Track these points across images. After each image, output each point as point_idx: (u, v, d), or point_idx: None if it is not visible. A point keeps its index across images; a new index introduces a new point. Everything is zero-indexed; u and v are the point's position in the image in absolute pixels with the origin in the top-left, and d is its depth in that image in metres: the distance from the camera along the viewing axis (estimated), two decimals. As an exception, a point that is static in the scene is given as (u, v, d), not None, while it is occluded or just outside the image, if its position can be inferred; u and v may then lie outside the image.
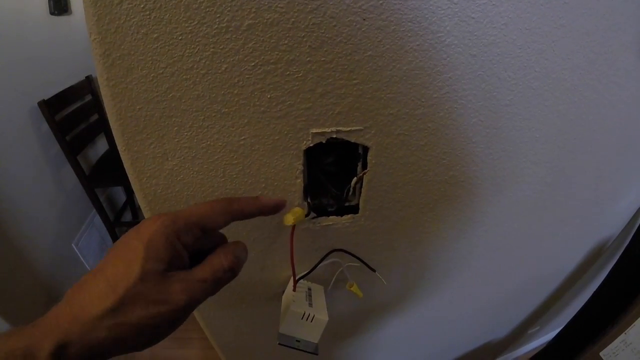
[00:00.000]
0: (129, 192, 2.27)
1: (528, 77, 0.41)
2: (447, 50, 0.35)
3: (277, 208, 0.36)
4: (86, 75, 1.88)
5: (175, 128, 0.34)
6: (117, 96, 0.32)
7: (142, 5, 0.28)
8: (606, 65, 0.45)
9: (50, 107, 1.52)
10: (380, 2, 0.31)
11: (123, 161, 0.37)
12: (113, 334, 0.25)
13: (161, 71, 0.31)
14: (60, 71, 1.73)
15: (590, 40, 0.41)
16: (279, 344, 0.43)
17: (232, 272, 0.30)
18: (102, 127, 1.94)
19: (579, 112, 0.49)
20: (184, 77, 0.31)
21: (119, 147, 0.36)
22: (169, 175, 0.37)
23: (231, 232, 0.44)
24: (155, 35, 0.29)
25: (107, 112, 0.33)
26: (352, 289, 0.51)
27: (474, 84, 0.39)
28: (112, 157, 1.95)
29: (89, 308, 0.26)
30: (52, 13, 1.66)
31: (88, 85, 1.87)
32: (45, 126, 1.56)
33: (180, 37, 0.30)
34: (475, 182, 0.50)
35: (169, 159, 0.36)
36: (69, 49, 1.80)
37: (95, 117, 1.90)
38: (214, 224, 0.31)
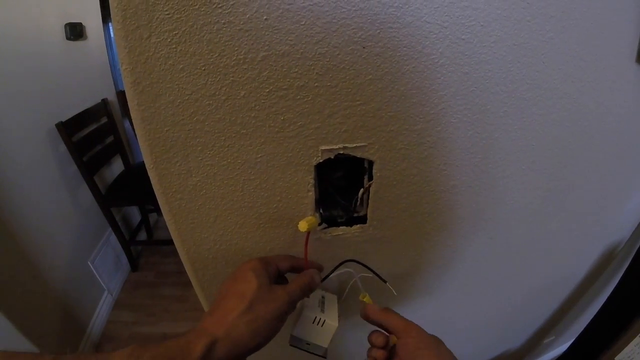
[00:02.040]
0: (144, 211, 2.32)
1: (520, 89, 0.44)
2: (441, 70, 0.39)
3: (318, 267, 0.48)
4: (102, 98, 1.95)
5: (199, 148, 0.38)
6: (146, 119, 0.36)
7: (169, 40, 0.32)
8: (598, 72, 0.47)
9: (68, 128, 1.58)
10: (378, 31, 0.34)
11: (150, 178, 0.40)
12: (250, 327, 0.35)
13: (187, 97, 0.35)
14: (76, 94, 1.79)
15: (579, 49, 0.44)
16: (290, 344, 0.46)
17: (309, 286, 0.42)
18: (118, 148, 2.01)
19: (574, 119, 0.51)
20: (207, 102, 0.35)
21: (147, 165, 0.39)
22: (192, 190, 0.41)
23: (251, 241, 0.47)
24: (181, 66, 0.33)
25: (136, 134, 0.37)
26: (364, 299, 0.53)
27: (468, 99, 0.42)
28: (128, 177, 2.01)
29: (229, 314, 0.36)
30: (68, 38, 1.74)
31: (104, 107, 1.94)
32: (62, 147, 1.62)
33: (203, 68, 0.33)
34: (477, 190, 0.52)
35: (193, 175, 0.40)
36: (84, 73, 1.88)
37: (110, 138, 1.96)
38: (282, 267, 0.44)
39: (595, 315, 0.96)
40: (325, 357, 0.47)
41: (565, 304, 1.08)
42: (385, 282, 0.52)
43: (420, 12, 0.35)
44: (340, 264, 0.49)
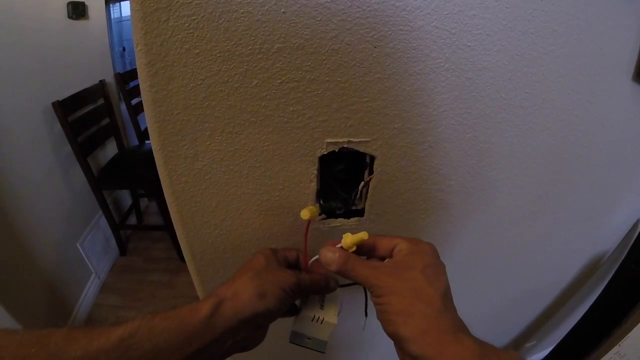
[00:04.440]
0: (135, 196, 2.31)
1: (519, 97, 0.46)
2: (446, 74, 0.40)
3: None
4: (100, 79, 1.93)
5: (208, 132, 0.39)
6: (158, 101, 0.36)
7: (186, 25, 0.32)
8: (595, 86, 0.49)
9: (64, 108, 1.57)
10: (389, 32, 0.36)
11: (156, 159, 0.41)
12: (257, 290, 0.36)
13: (200, 82, 0.35)
14: (74, 74, 1.78)
15: (578, 63, 0.46)
16: (290, 341, 0.46)
17: (319, 283, 0.43)
18: (113, 131, 1.99)
19: (569, 130, 0.53)
20: (220, 89, 0.36)
21: (153, 147, 0.40)
22: (197, 174, 0.42)
23: (250, 228, 0.48)
24: (197, 51, 0.34)
25: (146, 115, 0.38)
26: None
27: (469, 104, 0.44)
28: (121, 161, 2.00)
29: (237, 279, 0.38)
30: (70, 17, 1.72)
31: (101, 89, 1.92)
32: (57, 127, 1.60)
33: (218, 55, 0.34)
34: (470, 191, 0.54)
35: (199, 159, 0.40)
36: (84, 53, 1.86)
37: (106, 120, 1.95)
38: (290, 256, 0.45)
39: (577, 323, 0.98)
40: (323, 352, 0.47)
41: (549, 310, 1.11)
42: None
43: (430, 17, 0.36)
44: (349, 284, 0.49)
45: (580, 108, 0.51)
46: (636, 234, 0.88)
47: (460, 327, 0.32)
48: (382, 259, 0.39)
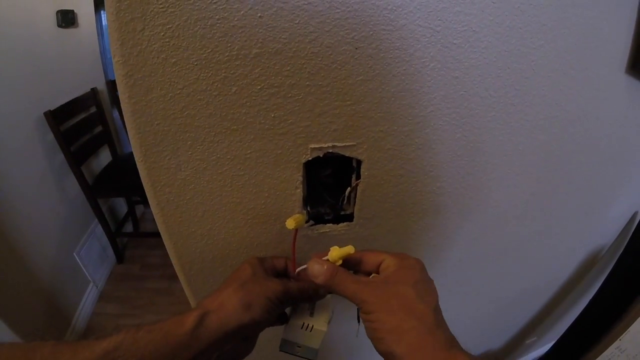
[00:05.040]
0: (131, 203, 2.30)
1: (509, 95, 0.45)
2: (432, 74, 0.39)
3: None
4: (91, 87, 1.92)
5: (189, 142, 0.38)
6: (137, 112, 0.35)
7: (162, 34, 0.32)
8: (587, 81, 0.49)
9: (56, 117, 1.56)
10: (371, 33, 0.35)
11: (139, 171, 0.40)
12: (242, 301, 0.36)
13: (178, 91, 0.35)
14: (66, 82, 1.76)
15: (569, 58, 0.45)
16: (280, 350, 0.45)
17: (307, 291, 0.41)
18: (106, 138, 1.98)
19: (561, 126, 0.52)
20: (199, 97, 0.35)
21: (136, 158, 0.39)
22: (181, 185, 0.41)
23: (238, 237, 0.47)
24: (174, 60, 0.33)
25: (126, 126, 0.37)
26: None
27: (458, 103, 0.43)
28: (115, 168, 1.99)
29: (223, 291, 0.37)
30: (59, 25, 1.70)
31: (93, 97, 1.91)
32: (50, 136, 1.59)
33: (195, 63, 0.33)
34: (462, 192, 0.53)
35: (182, 169, 0.39)
36: (75, 61, 1.84)
37: (99, 128, 1.94)
38: (278, 264, 0.44)
39: (577, 318, 0.98)
40: None
41: (548, 306, 1.10)
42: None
43: (413, 16, 0.35)
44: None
45: (573, 103, 0.50)
46: (633, 228, 0.87)
47: (453, 343, 0.32)
48: (368, 274, 0.39)
